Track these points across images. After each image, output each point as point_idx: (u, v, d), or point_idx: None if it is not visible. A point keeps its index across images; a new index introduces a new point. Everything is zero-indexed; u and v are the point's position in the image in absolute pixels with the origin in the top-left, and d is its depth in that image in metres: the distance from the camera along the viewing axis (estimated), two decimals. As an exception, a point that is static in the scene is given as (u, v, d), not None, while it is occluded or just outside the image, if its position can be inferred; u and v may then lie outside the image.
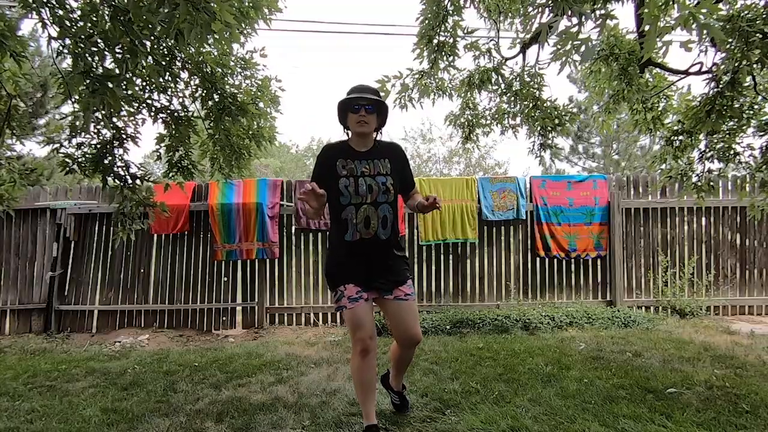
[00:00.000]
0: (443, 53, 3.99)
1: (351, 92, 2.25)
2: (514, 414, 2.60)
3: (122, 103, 2.51)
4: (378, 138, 2.36)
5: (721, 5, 2.73)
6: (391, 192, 2.22)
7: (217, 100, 3.44)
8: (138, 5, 2.15)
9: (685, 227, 5.68)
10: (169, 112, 3.44)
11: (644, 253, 5.64)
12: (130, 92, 2.63)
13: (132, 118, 3.30)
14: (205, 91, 3.44)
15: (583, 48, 2.00)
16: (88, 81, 2.40)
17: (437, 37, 3.89)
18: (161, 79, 3.25)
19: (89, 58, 2.40)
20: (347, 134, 2.33)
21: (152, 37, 2.73)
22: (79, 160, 3.07)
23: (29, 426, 2.66)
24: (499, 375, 3.33)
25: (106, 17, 2.31)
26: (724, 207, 5.62)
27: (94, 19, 2.37)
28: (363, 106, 2.18)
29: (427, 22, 3.81)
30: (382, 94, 3.68)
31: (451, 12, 3.76)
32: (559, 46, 2.04)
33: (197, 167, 3.77)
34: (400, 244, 2.36)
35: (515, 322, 4.83)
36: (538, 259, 5.61)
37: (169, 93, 3.42)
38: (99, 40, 2.37)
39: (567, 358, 3.72)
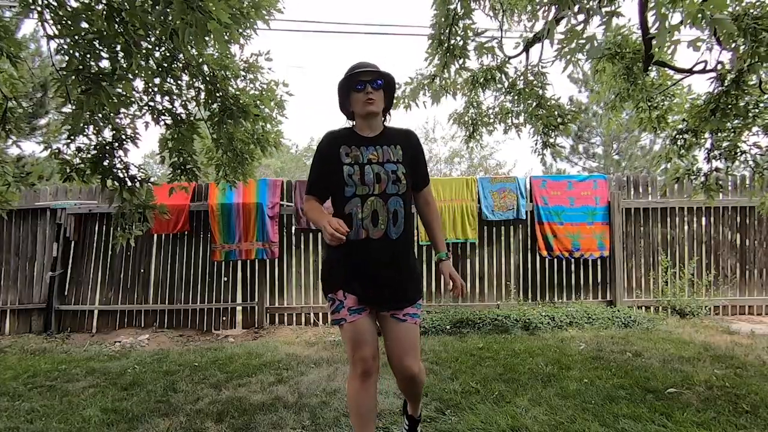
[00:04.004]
0: (454, 56, 3.98)
1: (351, 70, 1.94)
2: (514, 414, 2.61)
3: (116, 103, 2.49)
4: (387, 122, 2.06)
5: (728, 2, 2.71)
6: (403, 182, 1.88)
7: (219, 103, 3.43)
8: (133, 3, 2.15)
9: (685, 227, 5.67)
10: (171, 114, 3.44)
11: (644, 253, 5.63)
12: (124, 92, 2.62)
13: (131, 121, 3.29)
14: (206, 93, 3.44)
15: (588, 46, 1.99)
16: (81, 79, 2.40)
17: (448, 41, 3.88)
18: (163, 81, 3.24)
19: (84, 58, 2.40)
20: (351, 123, 2.04)
21: (150, 38, 2.73)
22: (78, 166, 3.04)
23: (29, 426, 2.66)
24: (499, 375, 3.33)
25: (102, 15, 2.30)
26: (724, 207, 5.61)
27: (90, 17, 2.36)
28: (367, 83, 1.88)
29: (438, 26, 3.81)
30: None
31: (461, 15, 3.75)
32: (564, 44, 2.03)
33: (200, 169, 3.76)
34: (413, 252, 2.02)
35: (515, 322, 4.83)
36: (538, 259, 5.61)
37: (172, 96, 3.41)
38: (95, 39, 2.36)
39: (567, 358, 3.72)
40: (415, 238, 5.54)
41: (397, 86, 3.27)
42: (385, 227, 1.85)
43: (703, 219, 5.65)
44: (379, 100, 1.93)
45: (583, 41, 2.00)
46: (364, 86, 1.88)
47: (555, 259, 5.57)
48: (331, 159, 1.91)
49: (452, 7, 3.64)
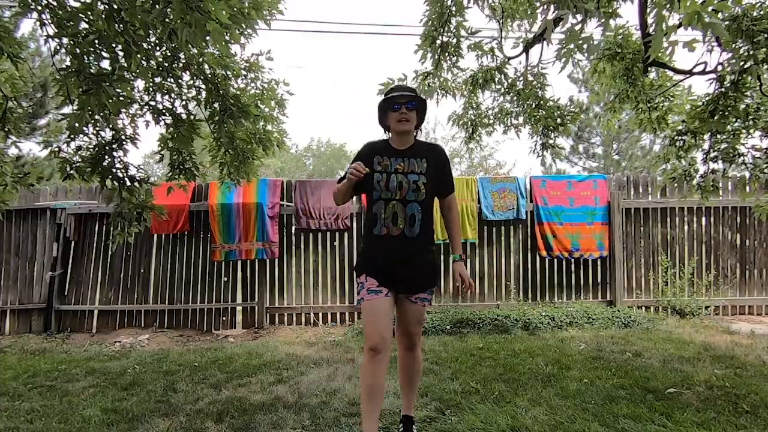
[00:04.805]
0: (447, 54, 3.98)
1: (390, 92, 2.30)
2: (514, 414, 2.61)
3: (116, 103, 2.49)
4: (418, 137, 2.38)
5: (729, 3, 2.72)
6: (422, 191, 2.19)
7: (219, 102, 3.43)
8: (133, 4, 2.15)
9: (685, 227, 5.67)
10: (171, 113, 3.44)
11: (644, 253, 5.64)
12: (123, 93, 2.62)
13: (132, 120, 3.29)
14: (207, 93, 3.44)
15: (586, 46, 1.99)
16: (81, 80, 2.40)
17: (441, 37, 3.88)
18: (163, 81, 3.24)
19: (85, 58, 2.40)
20: (388, 135, 2.37)
21: (150, 38, 2.74)
22: (78, 165, 3.04)
23: (29, 426, 2.66)
24: (499, 375, 3.33)
25: (102, 15, 2.30)
26: (724, 207, 5.61)
27: (90, 17, 2.36)
28: (403, 104, 2.22)
29: (430, 23, 3.80)
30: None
31: (453, 12, 3.75)
32: (563, 44, 2.03)
33: (199, 169, 3.76)
34: (431, 249, 2.30)
35: (515, 322, 4.83)
36: (538, 259, 5.61)
37: (172, 95, 3.41)
38: (95, 40, 2.36)
39: (567, 358, 3.72)
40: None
41: (390, 82, 3.49)
42: (403, 227, 2.17)
43: (703, 219, 5.66)
44: (412, 120, 2.26)
45: (581, 41, 2.00)
46: (399, 107, 2.22)
47: (555, 259, 5.57)
48: (367, 165, 2.19)
49: (446, 3, 3.63)
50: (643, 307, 5.49)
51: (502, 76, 4.29)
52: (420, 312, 2.24)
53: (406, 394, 2.36)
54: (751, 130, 3.46)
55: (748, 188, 3.61)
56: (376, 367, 2.06)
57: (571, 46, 2.01)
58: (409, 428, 2.33)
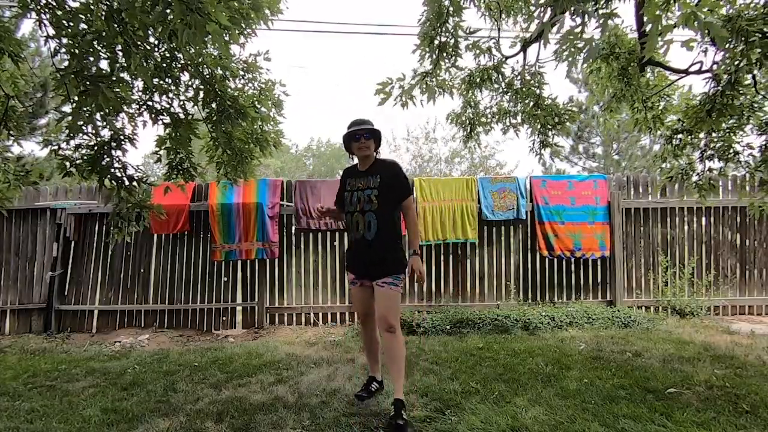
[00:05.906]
0: (445, 54, 3.98)
1: (350, 126, 2.86)
2: (514, 414, 2.61)
3: (114, 104, 2.49)
4: (378, 156, 2.93)
5: (721, 3, 2.72)
6: (374, 202, 2.74)
7: (217, 102, 3.43)
8: (133, 5, 2.15)
9: (685, 227, 5.67)
10: (169, 114, 3.43)
11: (644, 253, 5.64)
12: (121, 94, 2.62)
13: (132, 120, 3.29)
14: (204, 93, 3.44)
15: (587, 48, 1.99)
16: (80, 81, 2.41)
17: (438, 37, 3.88)
18: (161, 81, 3.24)
19: (84, 58, 2.40)
20: (352, 159, 2.99)
21: (150, 39, 2.74)
22: (78, 162, 3.05)
23: (29, 426, 2.66)
24: (499, 375, 3.33)
25: (102, 16, 2.31)
26: (724, 207, 5.61)
27: (89, 18, 2.37)
28: (362, 136, 2.82)
29: (428, 23, 3.80)
30: (379, 100, 4.05)
31: (451, 12, 3.75)
32: (563, 47, 2.03)
33: (197, 169, 3.76)
34: (392, 246, 2.78)
35: (515, 322, 4.83)
36: (538, 259, 5.61)
37: (170, 95, 3.40)
38: (93, 40, 2.36)
39: (567, 358, 3.72)
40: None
41: (388, 82, 3.79)
42: (363, 232, 2.77)
43: (703, 219, 5.65)
44: (370, 146, 2.85)
45: (582, 43, 2.00)
46: (360, 138, 2.82)
47: (555, 259, 5.57)
48: (343, 185, 2.95)
49: (444, 3, 3.62)
50: (643, 307, 5.49)
51: (499, 75, 4.29)
52: (386, 294, 2.69)
53: (393, 377, 2.67)
54: (744, 127, 3.48)
55: (747, 187, 3.63)
56: (366, 328, 2.97)
57: (572, 48, 2.01)
58: (398, 411, 2.54)
